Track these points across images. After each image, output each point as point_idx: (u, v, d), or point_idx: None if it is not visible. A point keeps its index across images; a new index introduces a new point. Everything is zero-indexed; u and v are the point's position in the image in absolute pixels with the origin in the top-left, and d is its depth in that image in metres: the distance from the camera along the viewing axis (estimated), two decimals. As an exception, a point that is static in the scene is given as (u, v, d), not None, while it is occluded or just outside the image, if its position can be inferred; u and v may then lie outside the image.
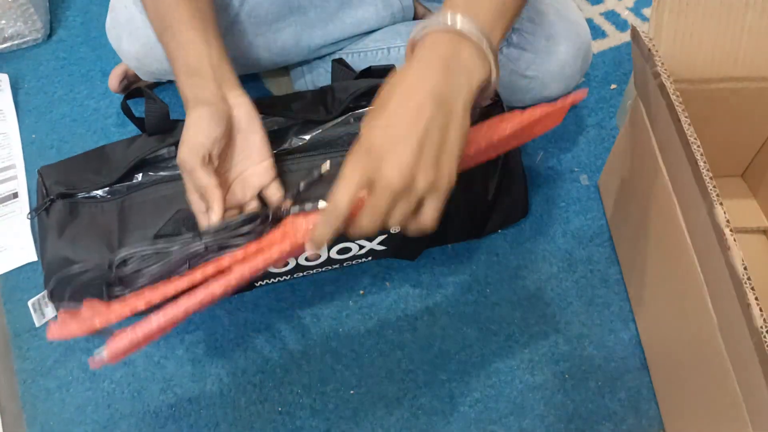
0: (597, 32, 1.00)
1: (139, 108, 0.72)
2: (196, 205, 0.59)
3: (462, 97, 0.47)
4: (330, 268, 0.73)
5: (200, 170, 0.56)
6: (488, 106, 0.71)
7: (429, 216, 0.48)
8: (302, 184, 0.64)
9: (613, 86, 0.93)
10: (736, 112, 0.72)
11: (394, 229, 0.68)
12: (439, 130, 0.45)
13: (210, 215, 0.57)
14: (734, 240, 0.48)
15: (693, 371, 0.59)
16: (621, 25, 1.01)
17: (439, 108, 0.45)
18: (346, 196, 0.45)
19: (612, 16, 1.03)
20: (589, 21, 1.02)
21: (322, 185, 0.65)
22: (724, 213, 0.49)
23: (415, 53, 0.48)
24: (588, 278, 0.75)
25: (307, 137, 0.69)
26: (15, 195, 0.82)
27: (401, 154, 0.44)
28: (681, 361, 0.61)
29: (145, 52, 0.74)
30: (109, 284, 0.62)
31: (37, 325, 0.68)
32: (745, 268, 0.47)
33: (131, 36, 0.74)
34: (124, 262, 0.59)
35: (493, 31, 0.49)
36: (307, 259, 0.68)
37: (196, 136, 0.56)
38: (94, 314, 0.51)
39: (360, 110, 0.72)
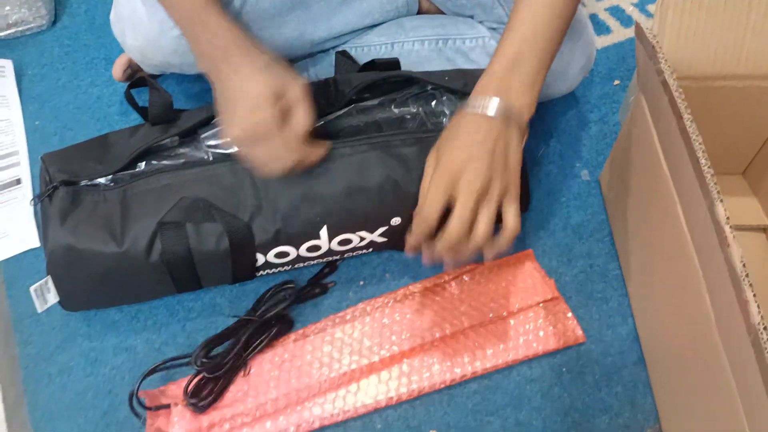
0: (601, 28, 1.00)
1: (142, 97, 0.72)
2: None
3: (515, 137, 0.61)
4: (330, 259, 0.73)
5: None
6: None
7: (512, 217, 0.59)
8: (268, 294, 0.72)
9: (616, 82, 0.93)
10: (738, 110, 0.72)
11: (395, 221, 0.69)
12: (503, 152, 0.59)
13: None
14: (734, 237, 0.48)
15: (689, 366, 0.59)
16: (625, 21, 1.02)
17: (499, 138, 0.59)
18: (434, 208, 0.58)
19: (617, 11, 1.03)
20: (594, 16, 1.02)
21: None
22: (725, 210, 0.50)
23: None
24: (587, 273, 0.76)
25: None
26: (18, 181, 0.82)
27: (478, 167, 0.57)
28: (678, 357, 0.62)
29: (148, 45, 0.74)
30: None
31: (39, 310, 0.69)
32: (743, 265, 0.47)
33: (135, 30, 0.74)
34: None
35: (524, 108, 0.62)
36: (308, 251, 0.69)
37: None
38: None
39: (363, 102, 0.72)
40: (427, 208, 0.58)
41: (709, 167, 0.52)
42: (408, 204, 0.68)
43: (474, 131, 0.59)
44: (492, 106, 0.60)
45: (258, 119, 0.59)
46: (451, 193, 0.58)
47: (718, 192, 0.51)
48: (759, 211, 0.78)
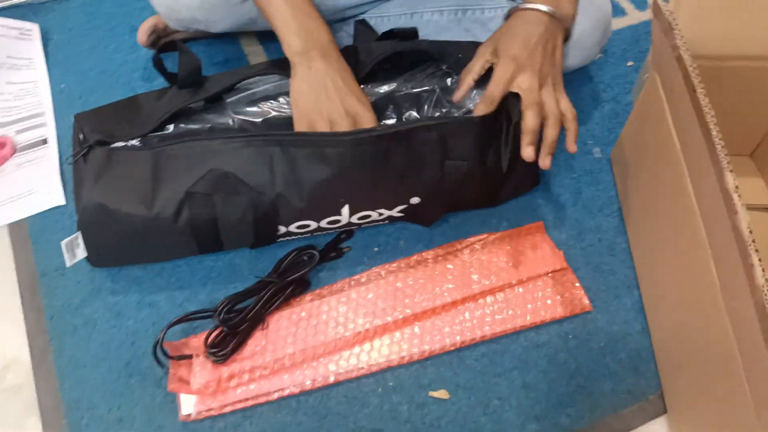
0: (617, 10, 1.02)
1: (166, 64, 0.75)
2: None
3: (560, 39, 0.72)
4: (348, 229, 0.76)
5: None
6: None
7: (568, 103, 0.69)
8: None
9: (629, 63, 0.95)
10: (749, 91, 0.74)
11: (414, 200, 0.70)
12: (553, 50, 0.70)
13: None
14: (742, 204, 0.50)
15: (692, 334, 0.62)
16: (639, 3, 1.03)
17: (551, 38, 0.70)
18: (498, 91, 0.68)
19: (632, -6, 1.04)
20: (610, -1, 1.03)
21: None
22: (734, 179, 0.52)
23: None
24: (596, 246, 0.78)
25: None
26: (44, 141, 0.84)
27: (537, 62, 0.68)
28: (681, 324, 0.64)
29: None
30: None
31: (68, 265, 0.71)
32: (750, 231, 0.49)
33: None
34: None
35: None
36: (328, 223, 0.71)
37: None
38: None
39: (381, 82, 0.74)
40: (493, 90, 0.68)
41: (720, 138, 0.54)
42: (428, 185, 0.70)
43: (533, 30, 0.69)
44: (547, 9, 0.69)
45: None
46: (514, 78, 0.68)
47: (729, 162, 0.53)
48: (765, 191, 0.80)
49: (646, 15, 1.01)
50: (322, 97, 0.66)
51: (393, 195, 0.71)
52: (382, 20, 0.89)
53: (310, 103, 0.66)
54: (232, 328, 0.66)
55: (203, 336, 0.68)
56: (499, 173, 0.74)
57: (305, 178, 0.67)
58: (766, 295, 0.47)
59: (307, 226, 0.71)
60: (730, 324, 0.54)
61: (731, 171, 0.52)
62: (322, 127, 0.66)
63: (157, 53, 0.74)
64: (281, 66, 0.73)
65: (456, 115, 0.72)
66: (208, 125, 0.71)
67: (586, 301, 0.73)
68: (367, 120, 0.67)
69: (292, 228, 0.71)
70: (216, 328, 0.67)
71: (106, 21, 0.98)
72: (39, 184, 0.81)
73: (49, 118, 0.86)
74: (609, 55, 0.96)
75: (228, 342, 0.67)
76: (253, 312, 0.68)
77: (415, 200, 0.72)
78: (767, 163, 0.81)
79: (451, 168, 0.70)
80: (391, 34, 0.77)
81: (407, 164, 0.68)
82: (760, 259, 0.48)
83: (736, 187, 0.51)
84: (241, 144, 0.67)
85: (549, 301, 0.73)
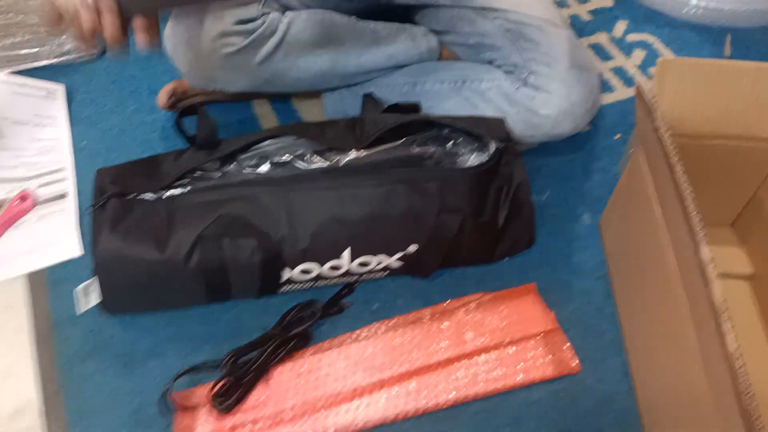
0: (606, 86, 1.09)
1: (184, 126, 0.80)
2: None
3: None
4: (348, 280, 0.80)
5: None
6: (501, 146, 0.78)
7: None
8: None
9: (617, 136, 1.01)
10: (727, 166, 0.79)
11: (412, 248, 0.75)
12: None
13: None
14: (716, 275, 0.55)
15: (674, 395, 0.65)
16: (628, 81, 1.10)
17: None
18: None
19: (620, 72, 1.11)
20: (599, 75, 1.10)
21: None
22: (709, 251, 0.56)
23: None
24: (584, 309, 0.82)
25: (333, 159, 0.77)
26: (63, 195, 0.89)
27: None
28: (664, 386, 0.67)
29: (197, 59, 0.82)
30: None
31: (81, 311, 0.75)
32: (723, 300, 0.53)
33: (187, 44, 0.82)
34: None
35: None
36: (330, 269, 0.75)
37: None
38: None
39: (387, 142, 0.80)
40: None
41: (696, 213, 0.59)
42: (425, 233, 0.75)
43: None
44: None
45: None
46: None
47: (704, 235, 0.57)
48: (745, 260, 0.85)
49: (633, 92, 1.08)
50: None
51: (392, 240, 0.75)
52: (387, 88, 0.95)
53: None
54: (238, 379, 0.70)
55: (209, 386, 0.71)
56: (495, 229, 0.79)
57: (308, 218, 0.72)
58: (737, 360, 0.51)
59: (310, 271, 0.75)
60: (709, 388, 0.57)
61: (706, 244, 0.57)
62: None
63: (179, 116, 0.80)
64: (292, 129, 0.79)
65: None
66: (222, 181, 0.76)
67: (576, 362, 0.76)
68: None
69: (296, 273, 0.75)
70: (221, 378, 0.70)
71: (129, 83, 1.04)
72: (58, 236, 0.85)
73: (70, 174, 0.91)
74: (598, 128, 1.02)
75: (232, 393, 0.70)
76: (257, 364, 0.71)
77: (413, 248, 0.76)
78: (747, 233, 0.86)
79: (447, 218, 0.75)
80: (396, 108, 0.83)
81: (406, 211, 0.74)
82: (732, 326, 0.52)
83: (711, 258, 0.56)
84: (249, 191, 0.73)
85: (540, 361, 0.76)
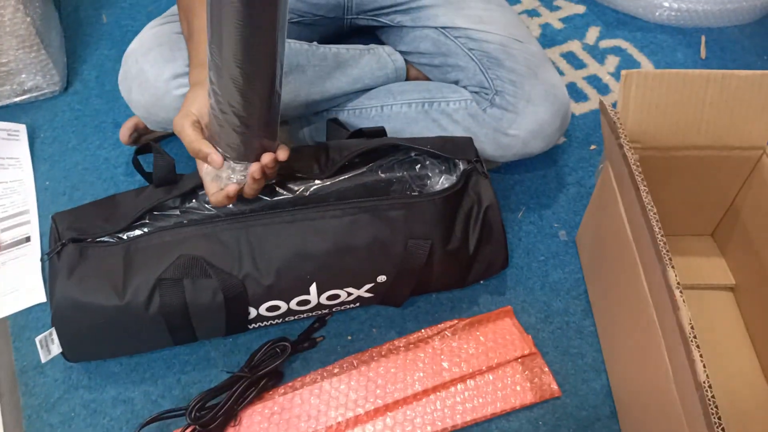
0: (579, 95, 1.07)
1: (146, 161, 0.78)
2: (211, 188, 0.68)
3: None
4: (319, 313, 0.78)
5: (189, 129, 0.65)
6: (469, 167, 0.76)
7: None
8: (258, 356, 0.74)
9: (592, 147, 0.99)
10: (702, 176, 0.77)
11: (381, 279, 0.73)
12: None
13: (211, 159, 0.65)
14: (683, 301, 0.53)
15: (654, 421, 0.63)
16: (602, 89, 1.08)
17: None
18: None
19: (594, 80, 1.09)
20: (572, 84, 1.08)
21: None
22: (675, 275, 0.54)
23: None
24: (564, 329, 0.80)
25: (297, 189, 0.75)
26: (27, 239, 0.87)
27: None
28: (645, 411, 0.65)
29: (153, 102, 0.81)
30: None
31: (43, 361, 0.73)
32: (691, 327, 0.51)
33: (141, 87, 0.80)
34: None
35: None
36: (298, 305, 0.73)
37: (190, 106, 0.66)
38: None
39: (353, 169, 0.77)
40: None
41: (662, 235, 0.57)
42: (393, 263, 0.73)
43: None
44: None
45: (176, 120, 0.67)
46: None
47: (670, 258, 0.55)
48: (726, 270, 0.83)
49: (608, 99, 1.06)
50: None
51: (359, 272, 0.73)
52: (354, 113, 0.93)
53: None
54: (204, 426, 0.67)
55: (176, 434, 0.69)
56: (466, 255, 0.77)
57: (271, 253, 0.70)
58: (707, 390, 0.49)
59: (278, 308, 0.73)
60: (684, 416, 0.55)
61: (673, 267, 0.55)
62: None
63: (135, 154, 0.78)
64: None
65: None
66: (182, 219, 0.74)
67: (555, 387, 0.74)
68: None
69: (263, 311, 0.73)
70: (188, 426, 0.68)
71: (93, 118, 1.02)
72: (21, 282, 0.83)
73: (33, 216, 0.89)
74: (573, 139, 1.00)
75: (200, 440, 0.67)
76: (225, 408, 0.69)
77: (382, 278, 0.74)
78: (727, 243, 0.84)
79: (415, 246, 0.73)
80: (361, 133, 0.81)
81: (371, 241, 0.72)
82: (701, 355, 0.50)
83: (678, 282, 0.54)
84: (209, 229, 0.71)
85: (518, 388, 0.74)
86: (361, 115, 0.93)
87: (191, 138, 0.65)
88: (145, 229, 0.72)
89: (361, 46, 0.94)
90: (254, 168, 0.65)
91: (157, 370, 0.76)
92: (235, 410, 0.70)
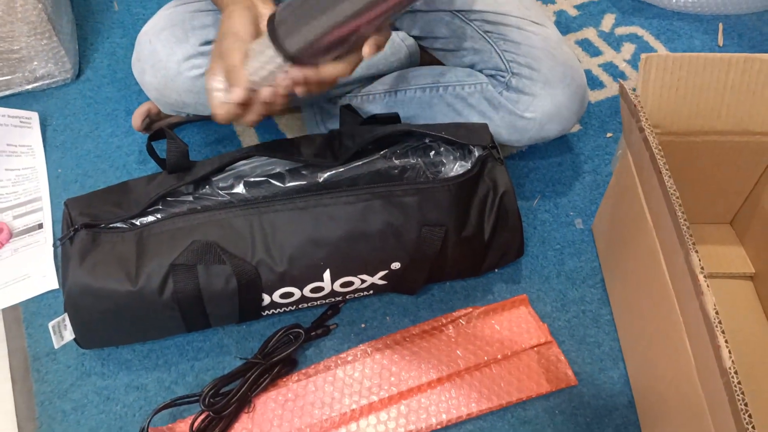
0: (595, 83, 1.05)
1: (159, 148, 0.78)
2: (215, 83, 0.61)
3: None
4: (333, 300, 0.77)
5: (234, 47, 0.59)
6: (484, 153, 0.75)
7: None
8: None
9: (609, 134, 0.98)
10: (722, 162, 0.76)
11: (395, 266, 0.73)
12: None
13: (231, 93, 0.60)
14: (707, 285, 0.52)
15: (674, 410, 0.62)
16: (619, 76, 1.07)
17: None
18: None
19: (610, 67, 1.08)
20: (588, 71, 1.07)
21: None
22: (699, 260, 0.53)
23: None
24: (580, 318, 0.79)
25: (311, 176, 0.74)
26: (40, 226, 0.87)
27: None
28: (664, 401, 0.64)
29: (165, 83, 0.80)
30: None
31: (56, 347, 0.72)
32: (716, 313, 0.50)
33: (153, 68, 0.80)
34: None
35: None
36: (311, 292, 0.73)
37: (233, 25, 0.61)
38: None
39: (367, 155, 0.77)
40: None
41: (685, 220, 0.56)
42: (407, 249, 0.72)
43: None
44: None
45: (222, 36, 0.61)
46: None
47: (693, 243, 0.54)
48: (745, 259, 0.81)
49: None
50: None
51: (373, 258, 0.72)
52: (368, 98, 0.92)
53: None
54: (218, 412, 0.67)
55: (190, 420, 0.68)
56: (481, 242, 0.76)
57: (284, 240, 0.69)
58: (733, 376, 0.48)
59: (291, 294, 0.72)
60: (706, 403, 0.54)
61: (696, 251, 0.54)
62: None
63: (148, 140, 0.77)
64: (266, 148, 0.76)
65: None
66: (195, 205, 0.73)
67: (572, 375, 0.73)
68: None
69: (276, 297, 0.72)
70: (202, 412, 0.67)
71: (104, 105, 1.02)
72: (34, 269, 0.82)
73: (46, 203, 0.89)
74: (588, 127, 0.98)
75: (214, 426, 0.67)
76: (238, 395, 0.69)
77: (396, 265, 0.73)
78: (746, 231, 0.82)
79: (429, 233, 0.72)
80: (374, 119, 0.80)
81: (384, 228, 0.71)
82: (726, 341, 0.49)
83: (702, 267, 0.53)
84: (222, 215, 0.70)
85: (534, 376, 0.73)
86: (374, 100, 0.92)
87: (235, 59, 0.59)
88: (158, 215, 0.71)
89: (374, 32, 0.93)
90: (299, 74, 0.58)
91: (170, 357, 0.75)
92: (248, 397, 0.70)
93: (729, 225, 0.85)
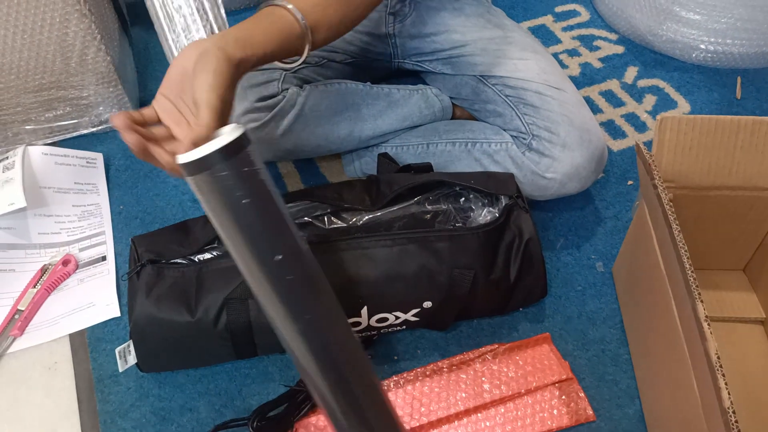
0: (617, 132, 1.12)
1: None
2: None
3: None
4: (369, 334, 0.84)
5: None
6: (510, 202, 0.82)
7: None
8: None
9: (630, 182, 1.04)
10: (734, 214, 0.82)
11: (427, 305, 0.79)
12: None
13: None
14: (710, 332, 0.57)
15: (685, 445, 0.67)
16: (640, 126, 1.13)
17: None
18: None
19: (632, 118, 1.14)
20: (610, 122, 1.13)
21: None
22: (704, 309, 0.59)
23: None
24: (600, 357, 0.84)
25: (351, 219, 0.82)
26: (103, 258, 0.96)
27: None
28: (675, 436, 0.69)
29: None
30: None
31: (120, 370, 0.80)
32: (717, 357, 0.56)
33: None
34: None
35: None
36: (351, 325, 0.79)
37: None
38: None
39: (399, 204, 0.84)
40: None
41: (692, 271, 0.62)
42: (439, 290, 0.79)
43: None
44: None
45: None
46: None
47: (699, 294, 0.60)
48: (757, 304, 0.86)
49: (645, 137, 1.11)
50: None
51: (407, 297, 0.79)
52: (402, 148, 1.00)
53: None
54: (264, 435, 0.74)
55: (238, 441, 0.75)
56: (507, 284, 0.82)
57: (329, 278, 0.76)
58: (731, 416, 0.53)
59: None
60: (711, 440, 0.59)
61: (702, 302, 0.59)
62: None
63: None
64: (311, 193, 0.84)
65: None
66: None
67: (590, 411, 0.79)
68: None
69: None
70: (250, 434, 0.74)
71: (161, 147, 1.11)
72: (98, 298, 0.91)
73: (109, 237, 0.98)
74: (610, 175, 1.05)
75: (260, 448, 0.74)
76: (282, 419, 0.75)
77: (427, 304, 0.80)
78: (759, 278, 0.87)
79: (459, 275, 0.78)
80: (409, 168, 0.87)
81: (420, 269, 0.78)
82: (726, 383, 0.55)
83: (706, 315, 0.58)
84: None
85: (555, 411, 0.78)
86: (408, 150, 1.00)
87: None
88: (215, 253, 0.79)
89: (410, 87, 1.01)
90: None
91: (220, 382, 0.83)
92: (291, 422, 0.76)
93: (742, 271, 0.90)
